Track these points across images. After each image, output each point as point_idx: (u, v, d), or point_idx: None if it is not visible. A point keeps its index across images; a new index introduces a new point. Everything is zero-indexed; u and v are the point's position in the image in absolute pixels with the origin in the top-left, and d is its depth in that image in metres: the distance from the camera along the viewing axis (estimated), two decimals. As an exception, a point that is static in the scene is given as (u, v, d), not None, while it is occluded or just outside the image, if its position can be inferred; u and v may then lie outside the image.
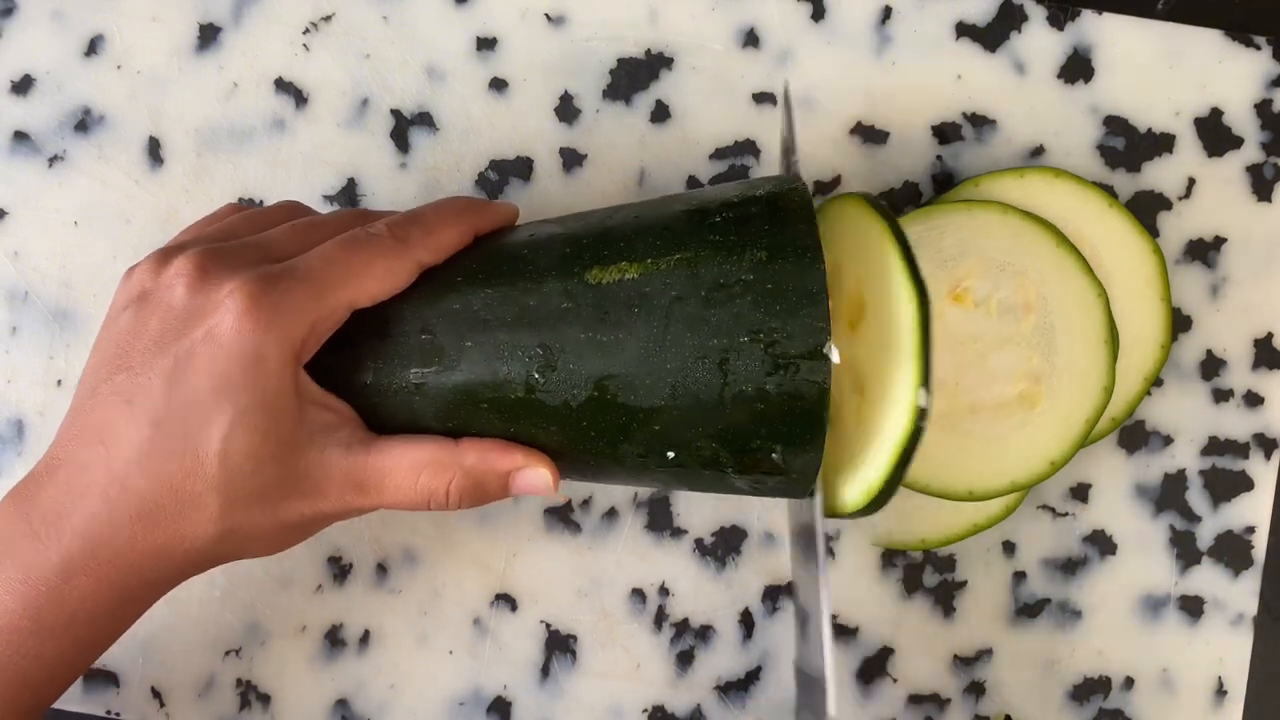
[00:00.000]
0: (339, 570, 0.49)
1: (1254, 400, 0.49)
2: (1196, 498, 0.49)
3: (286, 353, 0.37)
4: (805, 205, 0.38)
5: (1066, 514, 0.49)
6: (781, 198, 0.39)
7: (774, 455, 0.38)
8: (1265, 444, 0.49)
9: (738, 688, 0.49)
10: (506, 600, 0.49)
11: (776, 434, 0.37)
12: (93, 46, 0.50)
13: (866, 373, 0.39)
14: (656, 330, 0.37)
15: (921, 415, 0.36)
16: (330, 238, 0.39)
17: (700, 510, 0.49)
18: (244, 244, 0.39)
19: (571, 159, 0.49)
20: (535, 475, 0.40)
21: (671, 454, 0.39)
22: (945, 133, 0.49)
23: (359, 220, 0.41)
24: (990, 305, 0.45)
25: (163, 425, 0.36)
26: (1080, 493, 0.49)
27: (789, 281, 0.37)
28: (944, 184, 0.49)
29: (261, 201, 0.49)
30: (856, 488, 0.39)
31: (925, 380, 0.36)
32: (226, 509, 0.37)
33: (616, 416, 0.38)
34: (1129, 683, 0.49)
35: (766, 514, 0.49)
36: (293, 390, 0.37)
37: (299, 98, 0.50)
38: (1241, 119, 0.49)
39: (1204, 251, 0.49)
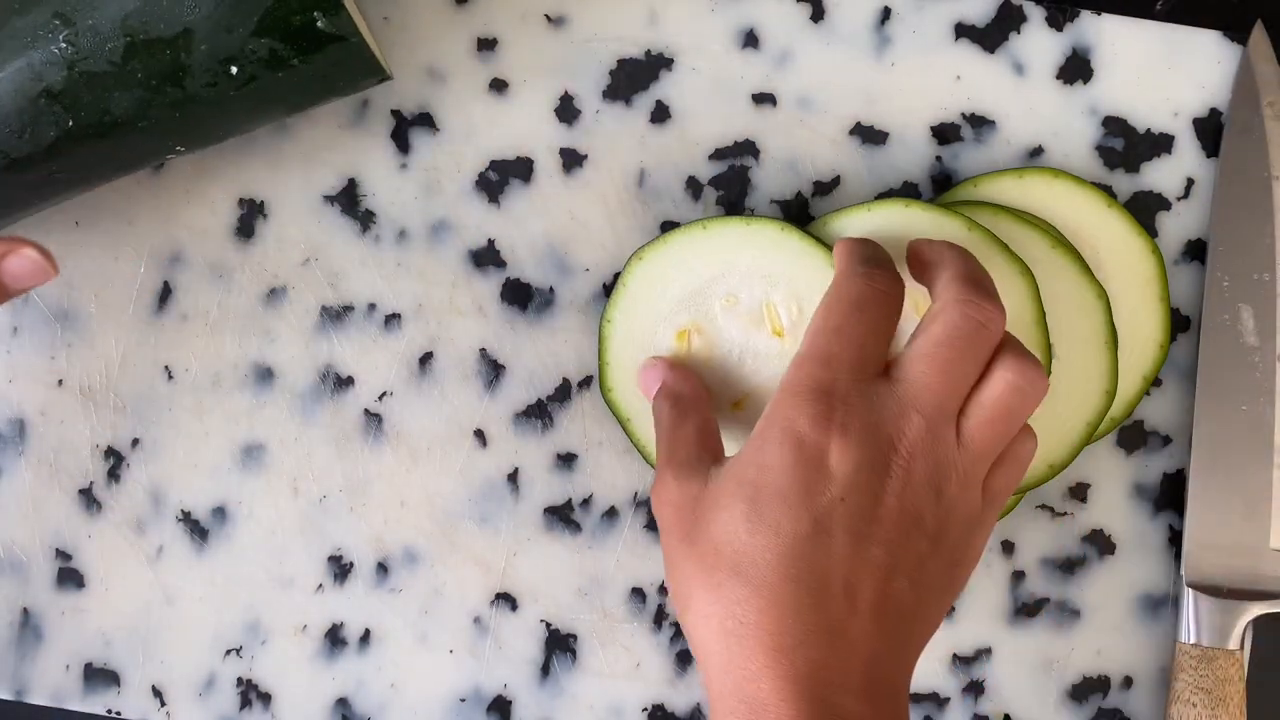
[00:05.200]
0: (339, 570, 0.49)
1: (1253, 400, 0.49)
2: (1196, 497, 0.49)
3: None
4: None
5: (1065, 514, 0.49)
6: None
7: (319, 24, 0.40)
8: (1264, 444, 0.49)
9: (737, 687, 0.49)
10: (506, 600, 0.49)
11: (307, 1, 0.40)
12: (93, 47, 0.50)
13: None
14: None
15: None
16: None
17: (700, 510, 0.49)
18: None
19: (571, 159, 0.49)
20: (19, 259, 0.40)
21: (234, 69, 0.41)
22: (944, 133, 0.49)
23: None
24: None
25: None
26: (1079, 492, 0.49)
27: None
28: (943, 184, 0.49)
29: (263, 203, 0.49)
30: None
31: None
32: None
33: (161, 53, 0.40)
34: (1128, 682, 0.49)
35: (766, 514, 0.49)
36: None
37: (299, 98, 0.50)
38: (1240, 119, 0.49)
39: (1204, 251, 0.49)
